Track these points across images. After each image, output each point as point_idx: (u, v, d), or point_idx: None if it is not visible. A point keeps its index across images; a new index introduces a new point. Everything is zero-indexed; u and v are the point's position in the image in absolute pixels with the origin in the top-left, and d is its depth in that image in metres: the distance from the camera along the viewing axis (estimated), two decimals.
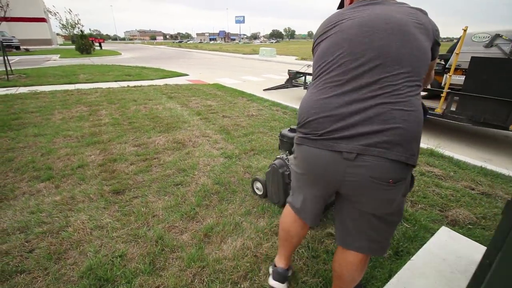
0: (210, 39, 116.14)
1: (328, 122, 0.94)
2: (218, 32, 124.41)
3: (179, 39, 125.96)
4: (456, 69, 4.93)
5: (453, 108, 4.13)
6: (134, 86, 7.34)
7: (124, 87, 7.26)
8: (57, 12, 26.24)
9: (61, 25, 27.15)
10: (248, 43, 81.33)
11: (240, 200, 2.31)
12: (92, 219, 2.01)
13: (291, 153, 2.09)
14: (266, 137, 3.80)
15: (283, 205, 1.89)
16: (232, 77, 10.41)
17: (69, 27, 27.25)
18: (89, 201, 2.23)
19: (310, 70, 7.79)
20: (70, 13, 26.86)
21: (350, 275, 1.15)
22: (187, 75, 10.29)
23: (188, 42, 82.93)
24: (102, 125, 4.13)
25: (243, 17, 65.16)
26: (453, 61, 4.25)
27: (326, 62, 1.01)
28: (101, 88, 7.00)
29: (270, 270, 1.52)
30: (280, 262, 1.46)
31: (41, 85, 7.28)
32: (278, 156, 2.13)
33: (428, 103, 4.66)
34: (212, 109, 5.26)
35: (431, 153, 3.44)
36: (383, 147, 0.86)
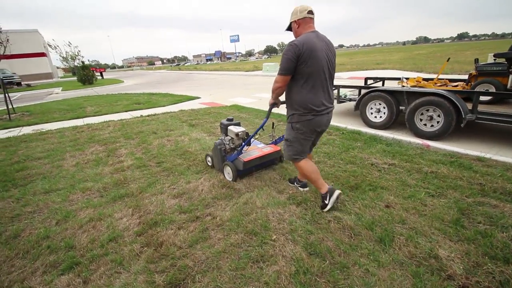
0: (207, 60, 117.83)
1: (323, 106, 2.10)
2: (214, 52, 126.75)
3: (176, 62, 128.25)
4: None
5: None
6: (148, 115, 6.68)
7: (137, 117, 6.60)
8: (57, 46, 26.32)
9: (61, 58, 27.17)
10: (244, 60, 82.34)
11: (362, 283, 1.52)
12: None
13: (226, 135, 3.10)
14: (329, 168, 3.05)
15: (221, 171, 3.05)
16: (245, 96, 9.79)
17: (70, 59, 27.25)
18: None
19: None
20: (70, 46, 26.93)
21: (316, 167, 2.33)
22: (199, 98, 9.68)
23: (186, 65, 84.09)
24: (125, 169, 3.39)
25: (238, 35, 66.20)
26: None
27: (316, 77, 2.02)
28: (113, 120, 6.34)
29: (328, 200, 2.24)
30: (324, 189, 2.27)
31: (46, 122, 6.65)
32: (220, 138, 3.12)
33: (494, 109, 3.94)
34: None
35: None
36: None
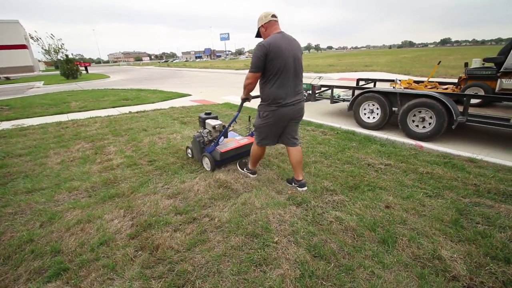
0: (196, 57, 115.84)
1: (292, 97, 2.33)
2: (203, 49, 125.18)
3: (164, 59, 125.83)
4: (509, 73, 4.39)
5: None
6: (137, 112, 6.46)
7: (126, 113, 6.37)
8: (40, 38, 25.12)
9: (44, 51, 25.96)
10: (234, 58, 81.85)
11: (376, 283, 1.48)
12: None
13: (204, 128, 3.25)
14: (327, 168, 3.02)
15: (201, 162, 3.21)
16: (237, 94, 9.67)
17: (53, 52, 26.08)
18: None
19: (322, 82, 7.20)
20: (52, 38, 25.78)
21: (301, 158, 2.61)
22: (190, 95, 9.48)
23: (174, 61, 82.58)
24: (114, 167, 3.23)
25: (228, 34, 65.76)
26: None
27: (282, 73, 2.23)
28: (100, 116, 6.09)
29: (247, 171, 2.94)
30: (253, 167, 2.89)
31: (27, 117, 6.29)
32: (198, 131, 3.30)
33: (484, 111, 4.05)
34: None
35: None
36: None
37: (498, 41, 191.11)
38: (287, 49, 2.22)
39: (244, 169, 2.98)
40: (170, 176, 2.96)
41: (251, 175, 2.90)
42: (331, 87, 5.82)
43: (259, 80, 2.35)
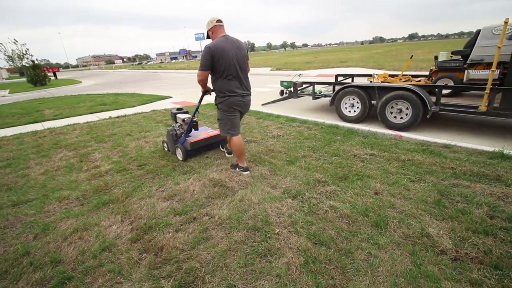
0: (171, 58, 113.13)
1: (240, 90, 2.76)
2: (179, 50, 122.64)
3: (138, 61, 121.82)
4: (478, 64, 4.78)
5: (496, 105, 3.84)
6: (118, 117, 6.28)
7: (105, 119, 6.17)
8: (1, 43, 23.42)
9: (6, 57, 24.23)
10: None
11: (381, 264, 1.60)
12: None
13: (176, 122, 3.60)
14: (316, 162, 3.15)
15: (174, 153, 3.55)
16: None
17: (16, 58, 24.42)
18: None
19: (302, 79, 7.39)
20: (16, 44, 24.12)
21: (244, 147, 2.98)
22: (171, 97, 9.32)
23: (149, 63, 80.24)
24: (103, 174, 3.16)
25: (203, 34, 64.86)
26: (490, 56, 4.03)
27: (228, 70, 2.64)
28: (78, 123, 5.85)
29: (239, 171, 3.01)
30: (243, 164, 3.01)
31: None
32: (171, 125, 3.66)
33: (454, 101, 4.40)
34: None
35: (502, 156, 3.02)
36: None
37: (460, 34, 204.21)
38: (230, 50, 2.63)
39: (237, 169, 3.05)
40: (163, 179, 2.95)
41: (244, 173, 2.98)
42: (312, 83, 6.00)
43: (210, 76, 2.75)
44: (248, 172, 2.99)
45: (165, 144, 3.80)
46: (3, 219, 2.34)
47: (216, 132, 3.60)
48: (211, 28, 2.74)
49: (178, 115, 3.55)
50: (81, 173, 3.24)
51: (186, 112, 3.63)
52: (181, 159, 3.42)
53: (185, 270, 1.66)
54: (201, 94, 3.15)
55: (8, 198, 2.69)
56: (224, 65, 2.62)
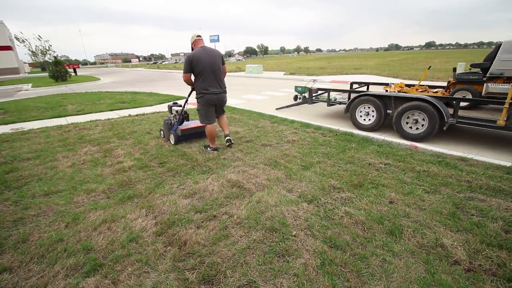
0: None
1: (214, 88, 3.65)
2: None
3: (153, 60, 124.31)
4: (498, 78, 4.74)
5: None
6: (137, 115, 6.51)
7: (125, 117, 6.41)
8: (26, 39, 24.49)
9: (30, 52, 25.30)
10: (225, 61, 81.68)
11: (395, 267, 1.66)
12: None
13: (171, 113, 4.47)
14: (331, 168, 3.21)
15: (168, 139, 4.38)
16: (233, 97, 9.80)
17: (40, 54, 25.44)
18: None
19: (317, 85, 7.46)
20: (40, 39, 25.16)
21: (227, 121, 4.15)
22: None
23: (164, 63, 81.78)
24: (127, 169, 3.32)
25: (218, 35, 65.63)
26: (510, 70, 4.00)
27: (203, 73, 3.55)
28: (100, 120, 6.11)
29: (210, 150, 3.85)
30: (213, 145, 3.86)
31: (24, 121, 6.24)
32: (168, 116, 4.44)
33: (472, 114, 4.36)
34: (242, 136, 4.61)
35: None
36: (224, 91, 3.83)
37: (480, 44, 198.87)
38: (205, 58, 3.52)
39: (208, 149, 3.90)
40: (183, 177, 3.08)
41: (214, 151, 3.83)
42: (327, 90, 6.06)
43: (193, 78, 3.67)
44: (216, 152, 3.81)
45: (162, 132, 4.56)
46: (36, 207, 2.51)
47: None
48: (193, 42, 3.71)
49: (173, 108, 4.42)
50: (105, 167, 3.42)
51: (180, 106, 4.40)
52: (173, 143, 4.21)
53: (207, 264, 1.77)
54: (189, 90, 4.06)
55: (39, 188, 2.88)
56: (200, 69, 3.50)
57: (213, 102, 3.69)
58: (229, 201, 2.56)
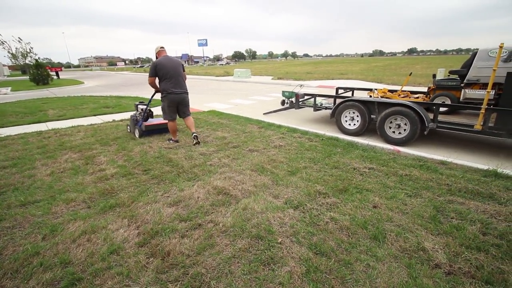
0: None
1: (176, 89, 4.33)
2: (181, 55, 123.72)
3: (140, 64, 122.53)
4: (474, 84, 4.95)
5: (491, 124, 3.98)
6: (122, 120, 6.37)
7: (109, 122, 6.25)
8: (5, 41, 23.55)
9: (10, 55, 24.32)
10: (212, 65, 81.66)
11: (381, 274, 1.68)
12: None
13: (137, 110, 4.99)
14: (317, 173, 3.24)
15: (134, 133, 4.97)
16: (220, 102, 9.80)
17: (20, 56, 24.50)
18: None
19: (304, 90, 7.55)
20: (20, 42, 24.24)
21: (193, 122, 4.65)
22: None
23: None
24: (109, 177, 3.23)
25: (206, 40, 65.51)
26: (486, 76, 4.19)
27: (166, 76, 4.23)
28: (82, 125, 5.93)
29: (172, 141, 4.55)
30: (175, 138, 4.59)
31: (2, 127, 5.97)
32: (134, 113, 5.03)
33: (450, 119, 4.54)
34: (229, 141, 4.59)
35: (496, 175, 3.13)
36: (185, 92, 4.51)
37: (459, 51, 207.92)
38: (169, 64, 4.22)
39: (170, 141, 4.53)
40: (168, 185, 3.02)
41: (175, 143, 4.48)
42: (314, 95, 6.14)
43: (158, 81, 4.30)
44: (178, 143, 4.48)
45: (128, 127, 5.18)
46: (11, 218, 2.39)
47: (166, 121, 4.62)
48: (157, 52, 4.41)
49: (139, 106, 5.00)
50: (87, 175, 3.30)
51: (145, 104, 4.96)
52: (137, 136, 4.80)
53: (191, 275, 1.73)
54: (153, 92, 4.65)
55: (15, 198, 2.75)
56: (163, 72, 4.18)
57: (175, 101, 4.32)
58: (214, 208, 2.53)
